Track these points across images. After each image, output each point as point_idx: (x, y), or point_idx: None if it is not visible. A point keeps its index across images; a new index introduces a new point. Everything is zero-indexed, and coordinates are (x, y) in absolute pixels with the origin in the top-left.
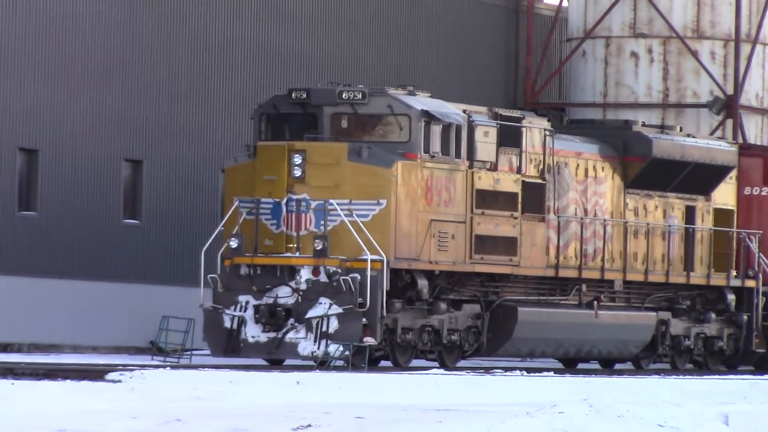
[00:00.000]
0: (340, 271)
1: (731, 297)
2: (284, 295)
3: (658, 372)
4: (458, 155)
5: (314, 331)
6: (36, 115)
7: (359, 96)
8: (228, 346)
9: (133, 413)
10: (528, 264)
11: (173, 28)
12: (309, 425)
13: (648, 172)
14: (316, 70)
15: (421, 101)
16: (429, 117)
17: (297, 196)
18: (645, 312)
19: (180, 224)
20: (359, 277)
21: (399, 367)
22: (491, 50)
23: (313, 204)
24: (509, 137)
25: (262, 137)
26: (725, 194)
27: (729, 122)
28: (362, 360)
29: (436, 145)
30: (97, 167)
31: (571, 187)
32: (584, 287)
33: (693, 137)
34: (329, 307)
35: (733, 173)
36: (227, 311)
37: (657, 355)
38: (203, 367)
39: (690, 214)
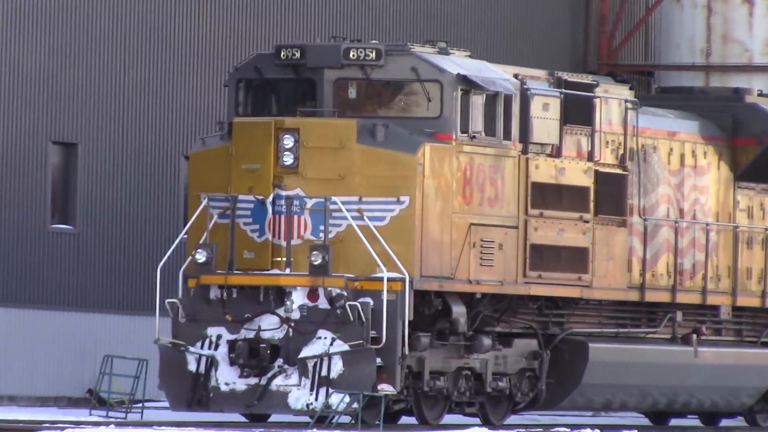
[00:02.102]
0: (345, 294)
1: None
2: (270, 326)
3: None
4: (508, 136)
5: (310, 376)
6: None
7: (372, 55)
8: (193, 396)
9: None
10: (603, 284)
11: None
12: None
13: (766, 159)
14: (313, 19)
15: (457, 62)
16: (467, 84)
17: (288, 191)
18: (762, 349)
19: (128, 230)
20: (372, 303)
21: (427, 425)
22: None
23: (310, 203)
24: (578, 111)
25: (240, 111)
26: None
27: None
28: (376, 416)
29: (477, 122)
30: (15, 153)
31: (662, 180)
32: (679, 315)
33: None
34: (331, 344)
35: None
36: (192, 349)
37: None
38: (159, 424)
39: None
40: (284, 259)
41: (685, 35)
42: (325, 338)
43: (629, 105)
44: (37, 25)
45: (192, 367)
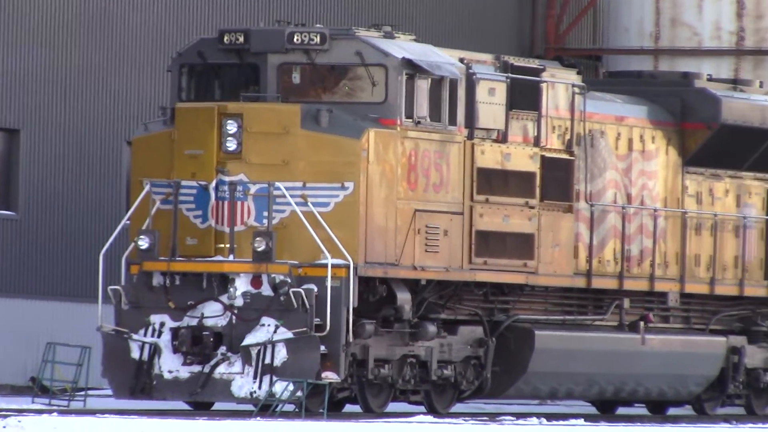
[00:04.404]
0: (289, 281)
1: None
2: (213, 314)
3: (727, 419)
4: (453, 121)
5: (254, 363)
6: None
7: (317, 39)
8: (136, 384)
9: None
10: (549, 271)
11: None
12: None
13: (715, 143)
14: (258, 4)
15: (403, 47)
16: (413, 68)
17: (231, 177)
18: (710, 337)
19: (70, 217)
20: (316, 290)
21: (371, 412)
22: None
23: (253, 188)
24: (524, 96)
25: (183, 96)
26: None
27: None
28: (321, 404)
29: (422, 107)
30: None
31: (610, 165)
32: (627, 303)
33: None
34: (275, 331)
35: None
36: (135, 336)
37: (727, 396)
38: (102, 412)
39: None
40: (227, 245)
41: (634, 19)
42: (269, 325)
43: (576, 90)
44: None
45: (135, 354)
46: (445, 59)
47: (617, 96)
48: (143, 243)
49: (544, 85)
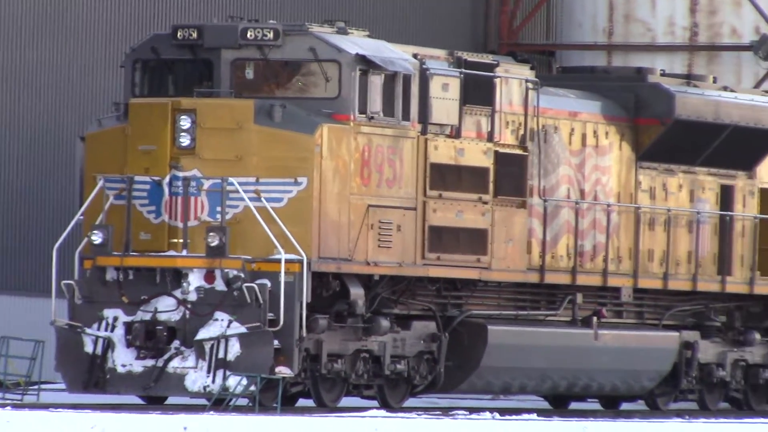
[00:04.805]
0: (243, 275)
1: None
2: (166, 308)
3: (680, 414)
4: (406, 117)
5: (207, 358)
6: None
7: (270, 35)
8: (89, 378)
9: None
10: (502, 266)
11: None
12: None
13: (669, 139)
14: (211, 0)
15: (356, 42)
16: (366, 64)
17: (184, 173)
18: (663, 332)
19: (24, 211)
20: (269, 285)
21: (324, 407)
22: None
23: (207, 184)
24: (477, 92)
25: (137, 92)
26: None
27: None
28: (274, 398)
29: (375, 102)
30: None
31: (563, 160)
32: (580, 298)
33: (732, 91)
34: (228, 326)
35: None
36: (88, 331)
37: (679, 391)
38: (55, 406)
39: (727, 196)
40: (181, 240)
41: (588, 14)
42: (222, 320)
43: (530, 85)
44: None
45: (89, 348)
46: (398, 55)
47: (571, 91)
48: (97, 238)
49: (497, 81)
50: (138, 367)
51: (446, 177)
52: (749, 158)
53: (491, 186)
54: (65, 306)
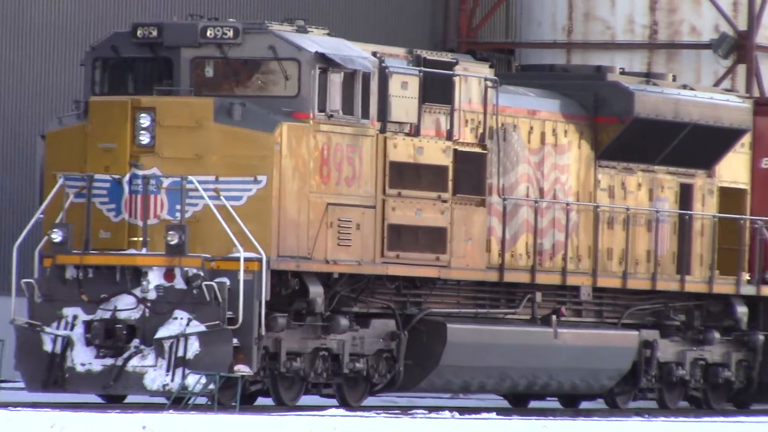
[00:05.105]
0: (202, 274)
1: (742, 310)
2: (126, 307)
3: (640, 413)
4: (366, 115)
5: (167, 356)
6: None
7: (230, 34)
8: (49, 376)
9: None
10: (461, 264)
11: None
12: None
13: (628, 137)
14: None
15: (316, 41)
16: (326, 62)
17: (144, 171)
18: (623, 331)
19: None
20: (229, 283)
21: (283, 405)
22: None
23: (166, 182)
24: (436, 90)
25: (97, 90)
26: (735, 168)
27: (741, 69)
28: (233, 397)
29: (335, 100)
30: None
31: (522, 159)
32: (539, 296)
33: (691, 89)
34: (187, 324)
35: (746, 139)
36: (48, 329)
37: (639, 390)
38: (15, 405)
39: (686, 195)
40: (140, 239)
41: (547, 12)
42: (182, 318)
43: (489, 83)
44: None
45: (48, 347)
46: (358, 53)
47: (530, 90)
48: (57, 236)
49: (456, 79)
50: (97, 365)
51: (405, 175)
52: (709, 157)
53: (450, 184)
54: (25, 305)
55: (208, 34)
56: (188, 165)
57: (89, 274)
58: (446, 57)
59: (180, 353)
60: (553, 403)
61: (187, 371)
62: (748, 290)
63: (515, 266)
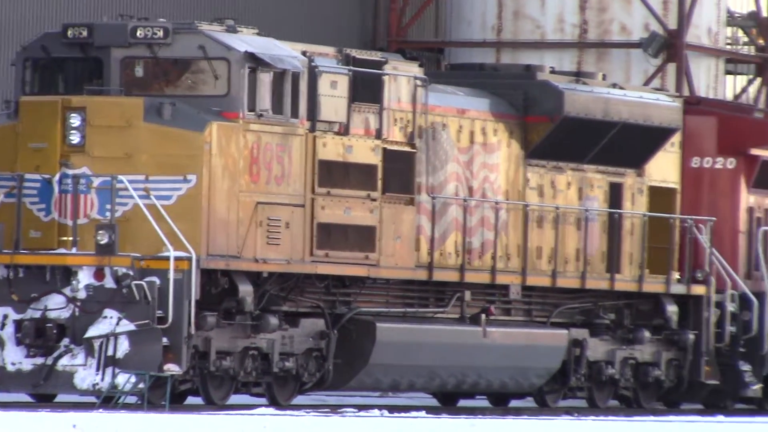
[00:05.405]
0: (132, 273)
1: (672, 309)
2: (56, 306)
3: (569, 411)
4: (295, 114)
5: (97, 355)
6: None
7: (160, 34)
8: None
9: None
10: (390, 263)
11: None
12: None
13: (557, 136)
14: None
15: (245, 40)
16: (255, 61)
17: (74, 170)
18: (552, 329)
19: None
20: (159, 282)
21: (213, 405)
22: None
23: (96, 181)
24: (366, 89)
25: (27, 90)
26: (665, 167)
27: (671, 67)
28: (163, 396)
29: (264, 100)
30: None
31: (452, 158)
32: (468, 295)
33: (621, 88)
34: (117, 323)
35: (676, 138)
36: None
37: (568, 389)
38: None
39: (616, 194)
40: (70, 238)
41: (477, 12)
42: (112, 318)
43: (418, 82)
44: None
45: None
46: (287, 52)
47: (459, 89)
48: None
49: (386, 78)
50: (28, 365)
51: (334, 174)
52: (639, 156)
53: (379, 183)
54: None
55: (138, 34)
56: (118, 164)
57: (20, 274)
58: (376, 56)
59: (110, 352)
60: (483, 402)
61: (117, 370)
62: (678, 289)
63: (444, 265)
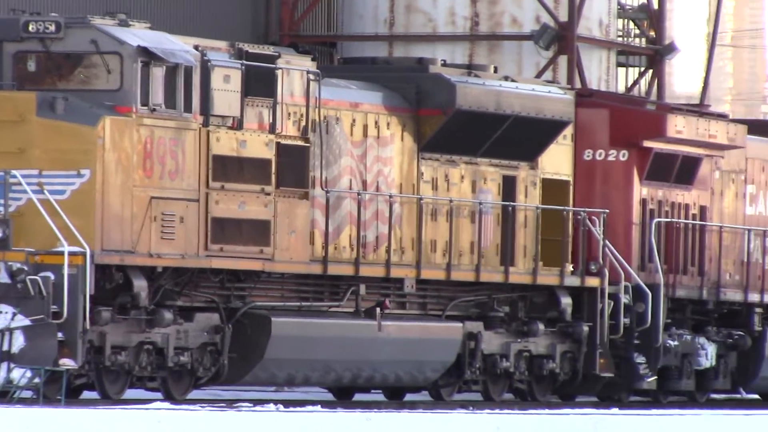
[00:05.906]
0: (26, 268)
1: (566, 301)
2: None
3: (464, 405)
4: (188, 108)
5: None
6: None
7: (52, 28)
8: None
9: None
10: (285, 257)
11: None
12: None
13: (450, 129)
14: None
15: (137, 34)
16: (148, 55)
17: None
18: (447, 323)
19: None
20: (53, 277)
21: (108, 399)
22: None
23: None
24: (259, 83)
25: None
26: (558, 159)
27: (563, 60)
28: (59, 390)
29: (157, 94)
30: None
31: (345, 152)
32: (363, 289)
33: (513, 81)
34: (12, 318)
35: (569, 131)
36: None
37: (464, 382)
38: None
39: (509, 186)
40: None
41: (369, 6)
42: (6, 313)
43: (311, 76)
44: None
45: None
46: (179, 47)
47: (352, 82)
48: None
49: (279, 72)
50: None
51: (229, 169)
52: (531, 149)
53: (273, 177)
54: None
55: (30, 28)
56: (11, 159)
57: None
58: (268, 50)
59: (5, 347)
60: (378, 396)
61: (12, 365)
62: (572, 281)
63: (339, 259)
